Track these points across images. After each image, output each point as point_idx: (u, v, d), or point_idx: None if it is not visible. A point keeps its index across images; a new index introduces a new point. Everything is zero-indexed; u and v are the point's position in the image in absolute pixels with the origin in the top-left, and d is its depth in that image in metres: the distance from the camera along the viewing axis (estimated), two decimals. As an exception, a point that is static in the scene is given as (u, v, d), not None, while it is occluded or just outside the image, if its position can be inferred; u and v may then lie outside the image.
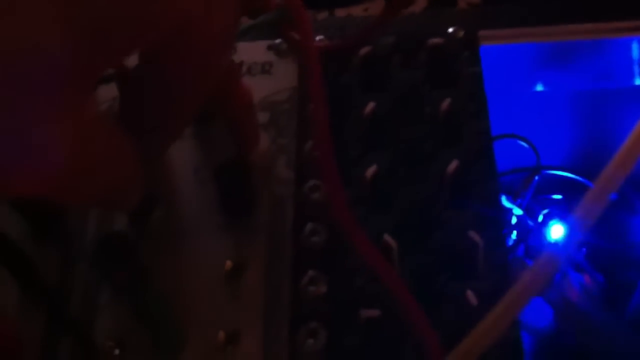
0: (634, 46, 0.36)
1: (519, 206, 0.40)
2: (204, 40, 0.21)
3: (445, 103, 0.30)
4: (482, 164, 0.29)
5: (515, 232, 0.40)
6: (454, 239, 0.27)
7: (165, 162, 0.31)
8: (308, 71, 0.27)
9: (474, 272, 0.27)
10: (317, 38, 0.35)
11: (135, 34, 0.20)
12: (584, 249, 0.41)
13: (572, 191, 0.42)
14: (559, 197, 0.43)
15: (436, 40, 0.32)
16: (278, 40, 0.34)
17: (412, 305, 0.24)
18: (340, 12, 0.49)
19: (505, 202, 0.39)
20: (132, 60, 0.23)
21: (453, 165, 0.28)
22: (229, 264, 0.28)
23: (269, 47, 0.34)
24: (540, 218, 0.41)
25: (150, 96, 0.23)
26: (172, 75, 0.22)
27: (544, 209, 0.42)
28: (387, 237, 0.27)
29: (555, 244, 0.23)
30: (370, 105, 0.30)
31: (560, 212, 0.41)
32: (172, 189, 0.31)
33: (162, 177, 0.31)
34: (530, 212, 0.41)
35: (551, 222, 0.41)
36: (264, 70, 0.34)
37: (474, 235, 0.26)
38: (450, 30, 0.33)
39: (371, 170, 0.28)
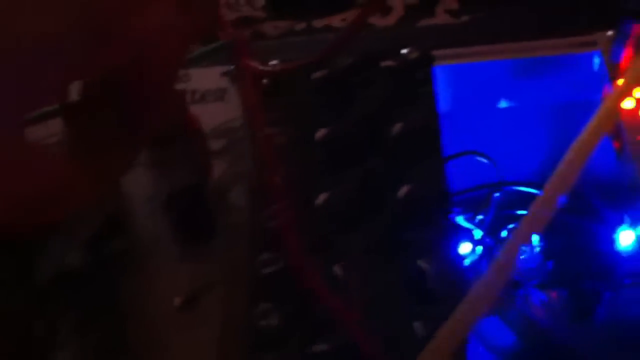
0: (587, 62, 0.36)
1: (481, 222, 0.40)
2: (157, 66, 0.22)
3: (398, 125, 0.30)
4: (434, 188, 0.29)
5: (480, 249, 0.40)
6: (405, 266, 0.27)
7: (123, 190, 0.31)
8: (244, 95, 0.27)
9: (424, 301, 0.26)
10: (271, 62, 0.35)
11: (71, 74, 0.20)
12: (550, 263, 0.41)
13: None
14: (524, 212, 0.43)
15: (389, 62, 0.32)
16: (232, 67, 0.34)
17: (363, 338, 0.24)
18: (317, 23, 0.49)
19: (464, 222, 0.38)
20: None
21: (403, 189, 0.28)
22: (183, 294, 0.27)
23: (224, 74, 0.34)
24: (505, 233, 0.41)
25: (105, 119, 0.23)
26: (126, 98, 0.22)
27: (509, 224, 0.42)
28: (337, 267, 0.26)
29: (501, 254, 0.23)
30: (324, 130, 0.30)
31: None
32: (129, 217, 0.30)
33: (119, 206, 0.30)
34: (494, 228, 0.41)
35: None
36: (217, 97, 0.34)
37: (423, 263, 0.26)
38: (405, 51, 0.33)
39: (323, 197, 0.28)
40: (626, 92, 0.20)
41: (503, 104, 0.42)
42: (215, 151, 0.31)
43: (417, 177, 0.29)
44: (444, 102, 0.35)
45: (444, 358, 0.21)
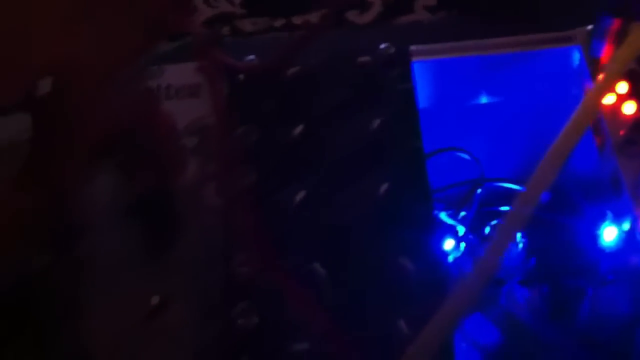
0: (566, 56, 0.36)
1: (464, 219, 0.39)
2: (91, 79, 0.21)
3: (375, 122, 0.29)
4: (414, 185, 0.28)
5: (462, 246, 0.40)
6: (385, 265, 0.26)
7: (87, 193, 0.30)
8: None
9: (407, 299, 0.26)
10: (248, 58, 0.34)
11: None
12: (533, 259, 0.41)
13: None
14: (507, 208, 0.43)
15: (365, 58, 0.31)
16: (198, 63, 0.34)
17: (337, 338, 0.23)
18: (297, 20, 0.48)
19: (445, 218, 0.38)
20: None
21: (383, 187, 0.27)
22: (154, 298, 0.26)
23: (197, 69, 0.33)
24: (488, 229, 0.41)
25: (55, 127, 0.23)
26: (68, 108, 0.22)
27: (492, 220, 0.41)
28: (316, 265, 0.26)
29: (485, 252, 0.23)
30: (299, 127, 0.30)
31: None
32: (94, 221, 0.29)
33: (85, 209, 0.29)
34: (476, 224, 0.40)
35: (498, 234, 0.40)
36: (191, 94, 0.33)
37: (405, 261, 0.25)
38: (382, 46, 0.33)
39: (300, 196, 0.28)
40: (607, 87, 0.20)
41: (483, 99, 0.42)
42: (188, 149, 0.31)
43: (398, 173, 0.28)
44: (422, 98, 0.34)
45: (429, 356, 0.21)
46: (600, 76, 0.28)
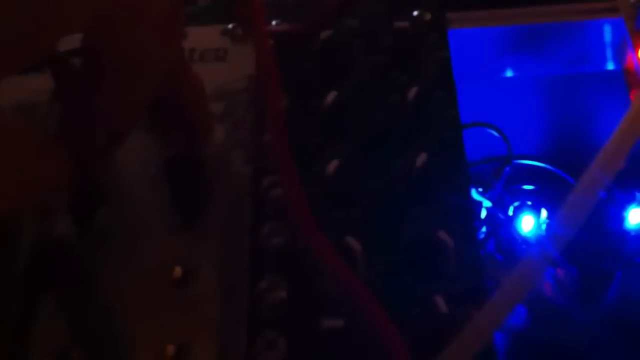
0: (607, 29, 0.34)
1: (489, 198, 0.38)
2: (137, 31, 0.19)
3: (412, 91, 0.28)
4: (452, 156, 0.27)
5: (485, 227, 0.38)
6: (422, 238, 0.25)
7: (112, 157, 0.28)
8: (259, 56, 0.25)
9: (444, 273, 0.25)
10: (274, 22, 0.32)
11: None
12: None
13: (544, 181, 0.41)
14: (530, 187, 0.42)
15: (401, 23, 0.30)
16: (232, 24, 0.32)
17: (377, 313, 0.22)
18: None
19: (475, 195, 0.37)
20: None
21: (421, 158, 0.26)
22: (179, 269, 0.25)
23: (223, 32, 0.32)
24: (511, 211, 0.40)
25: (90, 88, 0.21)
26: (109, 66, 0.20)
27: (515, 200, 0.40)
28: (349, 239, 0.25)
29: (536, 250, 0.22)
30: (332, 94, 0.28)
31: (532, 202, 0.40)
32: (118, 187, 0.28)
33: (108, 174, 0.28)
34: (501, 204, 0.39)
35: (522, 214, 0.39)
36: (217, 57, 0.31)
37: (443, 235, 0.24)
38: (416, 12, 0.31)
39: (333, 165, 0.26)
40: None
41: (509, 73, 0.40)
42: (215, 115, 0.29)
43: (436, 144, 0.27)
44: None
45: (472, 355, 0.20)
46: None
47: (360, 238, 0.25)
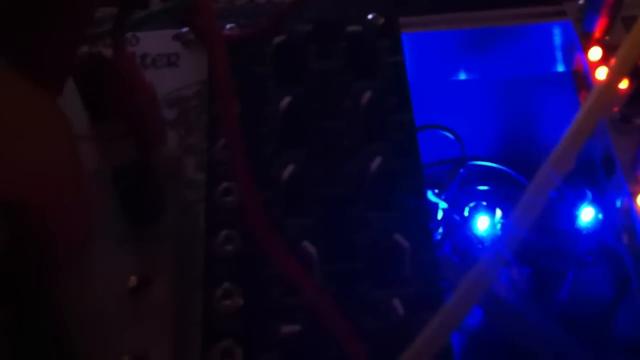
0: (555, 31, 0.35)
1: (445, 200, 0.38)
2: None
3: (366, 95, 0.28)
4: (407, 159, 0.27)
5: (441, 227, 0.39)
6: (378, 242, 0.25)
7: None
8: (212, 61, 0.25)
9: (401, 276, 0.25)
10: (228, 26, 0.32)
11: None
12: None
13: (498, 181, 0.41)
14: (485, 188, 0.42)
15: (354, 27, 0.30)
16: (184, 29, 0.32)
17: (336, 317, 0.22)
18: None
19: (431, 197, 0.37)
20: None
21: (376, 161, 0.26)
22: (134, 279, 0.25)
23: (175, 37, 0.32)
24: (467, 211, 0.40)
25: None
26: None
27: (470, 200, 0.41)
28: (306, 244, 0.24)
29: (491, 251, 0.22)
30: (286, 100, 0.28)
31: (487, 203, 0.40)
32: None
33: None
34: (457, 205, 0.39)
35: (477, 215, 0.40)
36: (170, 62, 0.31)
37: (399, 238, 0.24)
38: (370, 16, 0.31)
39: (288, 171, 0.26)
40: (622, 71, 0.19)
41: (461, 75, 0.41)
42: (167, 122, 0.29)
43: (391, 148, 0.27)
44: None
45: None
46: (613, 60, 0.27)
47: (316, 243, 0.25)
